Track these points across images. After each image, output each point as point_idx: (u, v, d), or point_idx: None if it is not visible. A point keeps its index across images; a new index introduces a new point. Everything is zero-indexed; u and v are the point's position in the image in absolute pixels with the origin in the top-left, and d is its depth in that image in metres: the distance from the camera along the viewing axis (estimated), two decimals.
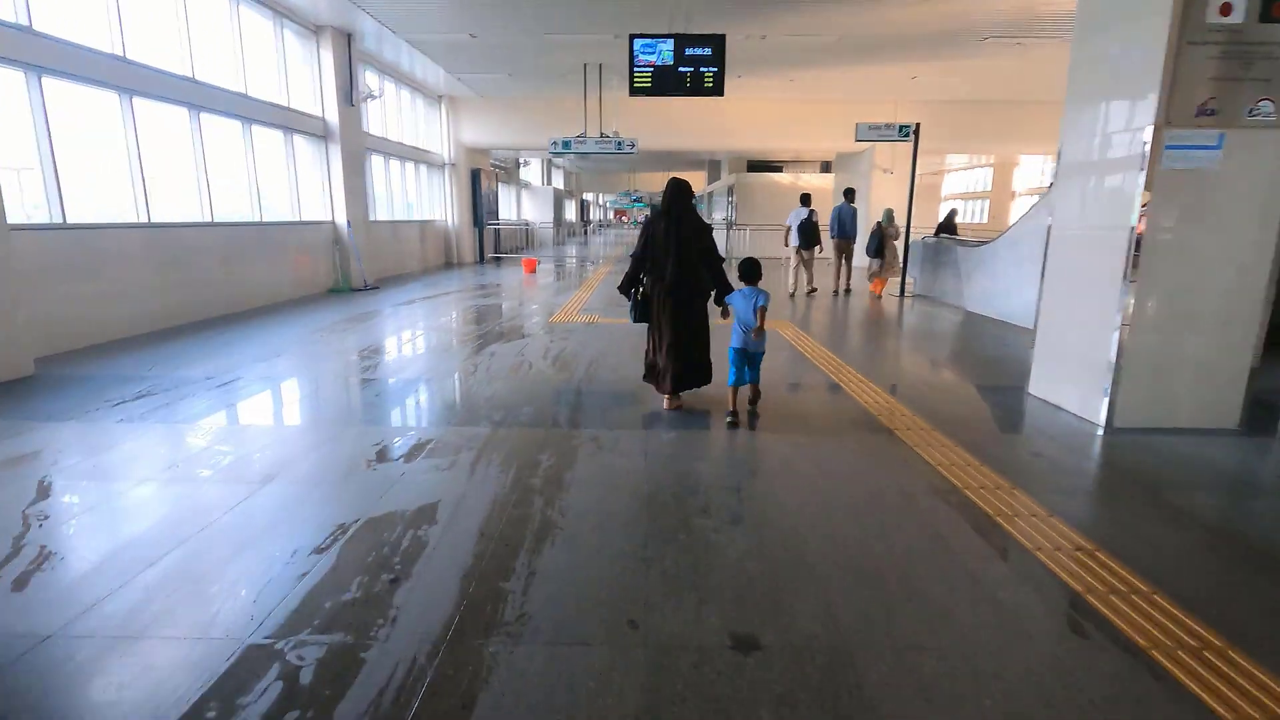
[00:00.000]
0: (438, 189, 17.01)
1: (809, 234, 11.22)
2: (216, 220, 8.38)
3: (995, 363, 6.28)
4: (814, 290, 11.66)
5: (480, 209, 17.97)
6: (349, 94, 11.33)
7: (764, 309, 4.26)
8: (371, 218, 12.87)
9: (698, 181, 39.54)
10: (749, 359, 4.38)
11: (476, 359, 6.09)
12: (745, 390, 4.49)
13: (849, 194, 11.76)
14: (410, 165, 15.37)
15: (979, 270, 9.46)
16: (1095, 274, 4.36)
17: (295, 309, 9.05)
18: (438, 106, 16.44)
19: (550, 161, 30.88)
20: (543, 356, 6.20)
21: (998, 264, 8.77)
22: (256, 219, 9.33)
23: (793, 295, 11.14)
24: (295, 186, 10.40)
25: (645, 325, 4.65)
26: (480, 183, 17.83)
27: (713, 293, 4.53)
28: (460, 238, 17.61)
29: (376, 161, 13.53)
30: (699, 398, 4.77)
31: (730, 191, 22.98)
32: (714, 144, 17.56)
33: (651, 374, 4.63)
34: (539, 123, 15.84)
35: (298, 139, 10.45)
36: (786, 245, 11.51)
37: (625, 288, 4.59)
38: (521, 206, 27.44)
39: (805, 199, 11.55)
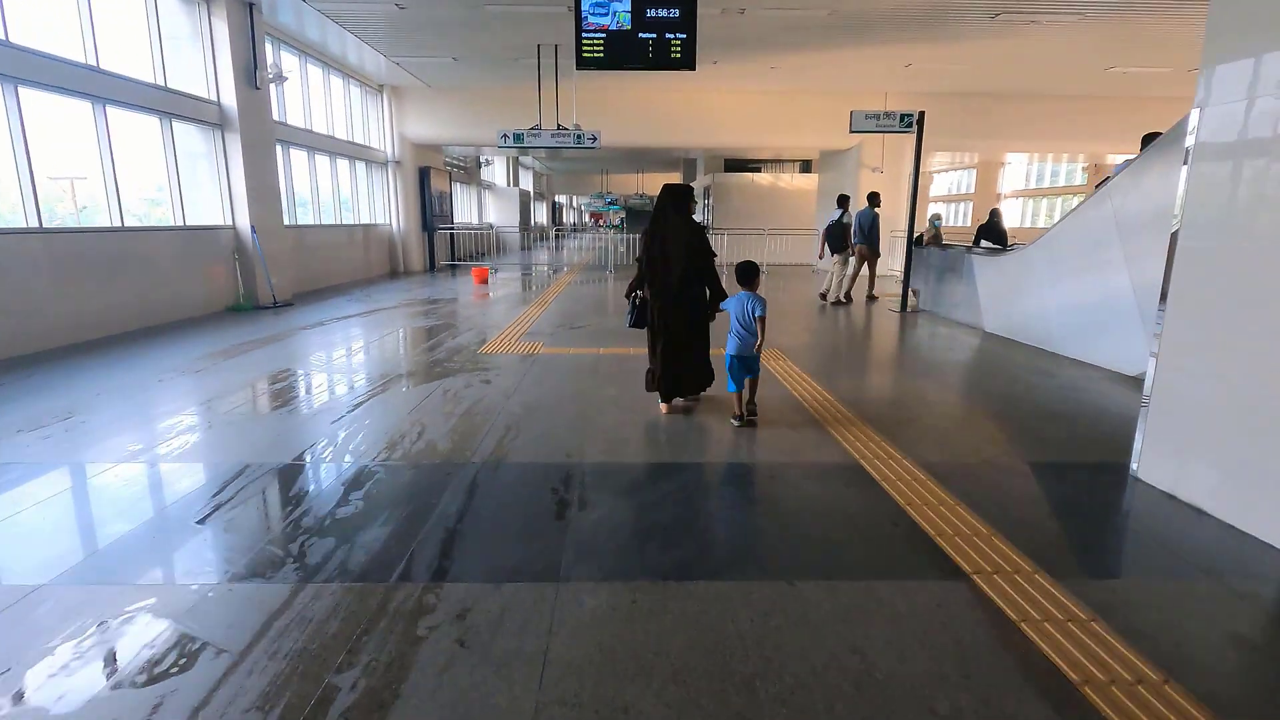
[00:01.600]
0: (381, 189, 15.17)
1: (835, 239, 10.43)
2: (45, 227, 6.53)
3: (1058, 418, 4.68)
4: (825, 301, 10.62)
5: (429, 211, 16.15)
6: (252, 74, 9.51)
7: (763, 319, 4.15)
8: (289, 222, 11.04)
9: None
10: (746, 363, 4.24)
11: (348, 421, 4.36)
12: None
13: (872, 198, 10.71)
14: (344, 162, 13.53)
15: (1004, 284, 7.92)
16: (1273, 304, 2.78)
17: (166, 337, 7.22)
18: (379, 97, 14.63)
19: (517, 160, 29.07)
20: (445, 414, 4.48)
21: (1032, 276, 7.22)
22: (114, 224, 7.47)
23: (840, 300, 10.52)
24: (176, 184, 8.55)
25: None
26: (429, 182, 16.02)
27: (710, 297, 4.44)
28: (407, 244, 15.78)
29: (298, 157, 11.69)
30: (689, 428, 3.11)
31: (706, 193, 21.43)
32: (687, 140, 15.91)
33: (652, 382, 4.56)
34: (493, 116, 14.00)
35: (181, 127, 8.61)
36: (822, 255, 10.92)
37: (629, 292, 4.57)
38: (484, 209, 25.62)
39: (842, 200, 10.60)
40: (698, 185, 23.63)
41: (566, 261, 19.77)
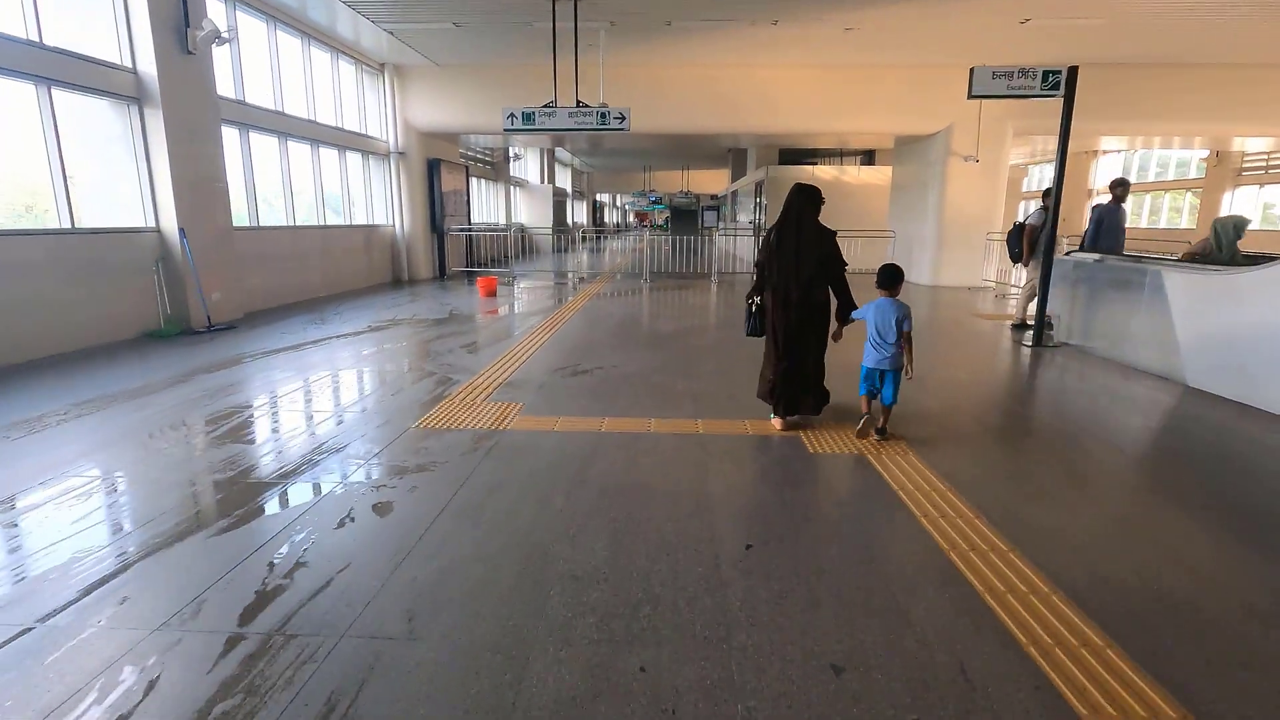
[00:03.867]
0: (382, 185, 13.12)
1: (1013, 244, 8.11)
2: None
3: None
4: (1023, 323, 8.01)
5: (438, 210, 14.03)
6: (183, 35, 7.44)
7: (909, 335, 3.85)
8: (246, 223, 9.01)
9: (721, 180, 35.11)
10: (883, 376, 3.93)
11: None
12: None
13: (1118, 187, 7.81)
14: (331, 152, 11.46)
15: (1227, 314, 5.18)
16: None
17: (11, 383, 5.15)
18: (379, 78, 12.56)
19: (552, 154, 26.93)
20: (227, 635, 2.12)
21: None
22: None
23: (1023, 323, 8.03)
24: (61, 174, 6.49)
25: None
26: (439, 177, 13.90)
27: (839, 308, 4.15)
28: (413, 248, 13.67)
29: (264, 144, 9.64)
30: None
31: (759, 190, 18.74)
32: (737, 124, 13.25)
33: (770, 392, 4.23)
34: (512, 98, 11.65)
35: (68, 98, 6.56)
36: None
37: (749, 297, 4.27)
38: (513, 208, 23.52)
39: (1047, 195, 7.51)
40: (749, 180, 21.00)
41: (599, 268, 17.41)
